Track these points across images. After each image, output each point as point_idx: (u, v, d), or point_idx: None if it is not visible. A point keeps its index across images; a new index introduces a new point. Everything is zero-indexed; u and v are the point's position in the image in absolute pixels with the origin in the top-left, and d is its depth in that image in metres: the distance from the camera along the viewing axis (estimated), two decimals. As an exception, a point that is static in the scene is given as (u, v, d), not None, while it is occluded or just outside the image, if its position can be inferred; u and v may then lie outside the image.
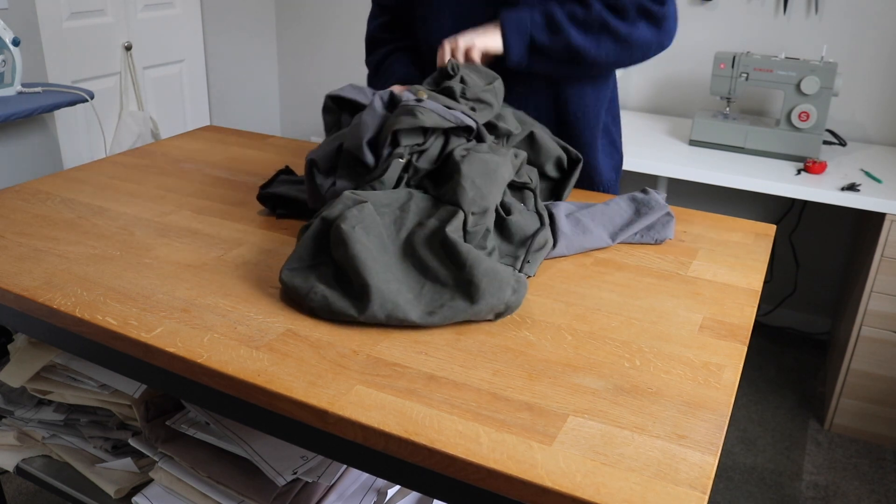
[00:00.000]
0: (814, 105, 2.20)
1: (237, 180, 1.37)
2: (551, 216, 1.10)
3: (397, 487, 1.09)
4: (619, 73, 2.58)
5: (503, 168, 1.01)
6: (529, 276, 1.01)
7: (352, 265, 0.88)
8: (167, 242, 1.10)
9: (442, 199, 1.00)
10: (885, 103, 2.46)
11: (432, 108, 1.03)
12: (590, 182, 1.39)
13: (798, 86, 2.20)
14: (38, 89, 2.16)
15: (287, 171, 1.29)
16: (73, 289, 0.96)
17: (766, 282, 2.82)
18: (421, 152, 1.04)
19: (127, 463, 1.24)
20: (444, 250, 0.92)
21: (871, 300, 2.07)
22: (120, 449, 1.28)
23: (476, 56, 1.22)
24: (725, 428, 0.74)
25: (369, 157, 1.04)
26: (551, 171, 1.23)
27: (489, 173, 0.99)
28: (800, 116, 2.22)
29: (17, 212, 1.20)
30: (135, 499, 1.18)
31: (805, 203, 2.64)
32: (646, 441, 0.70)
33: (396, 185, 1.04)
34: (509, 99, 1.30)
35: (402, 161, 1.03)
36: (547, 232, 1.05)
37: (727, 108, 2.40)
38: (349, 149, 1.05)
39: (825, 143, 2.40)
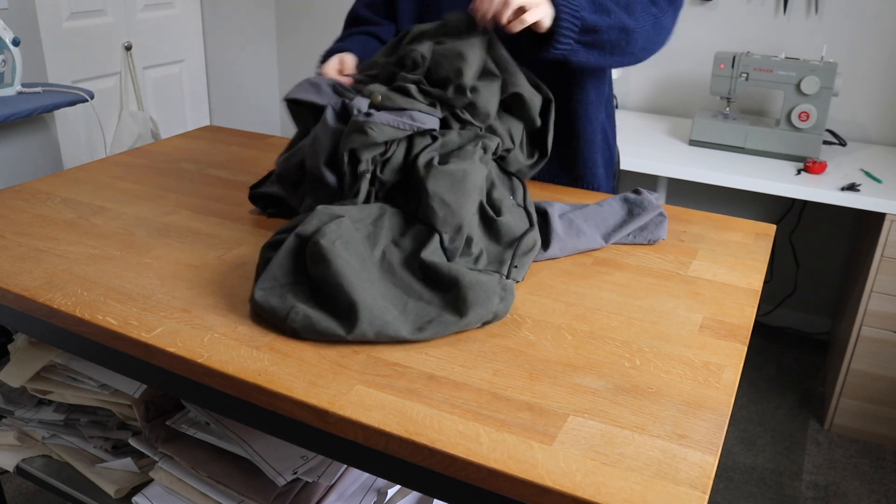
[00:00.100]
0: (814, 105, 2.20)
1: (237, 180, 1.37)
2: (546, 217, 1.10)
3: (397, 487, 1.09)
4: (617, 72, 2.59)
5: (473, 175, 0.97)
6: (518, 281, 0.99)
7: (336, 282, 0.85)
8: (167, 242, 1.10)
9: (415, 216, 0.97)
10: (885, 103, 2.46)
11: (384, 121, 0.98)
12: (584, 180, 1.39)
13: (798, 86, 2.20)
14: (38, 89, 2.16)
15: None
16: (74, 289, 0.96)
17: (766, 282, 2.82)
18: (384, 162, 1.00)
19: (127, 463, 1.24)
20: (424, 272, 0.91)
21: (871, 300, 2.07)
22: (120, 449, 1.28)
23: (513, 16, 1.04)
24: (725, 428, 0.74)
25: (331, 178, 1.00)
26: (536, 120, 1.17)
27: (457, 186, 0.95)
28: (800, 116, 2.22)
29: (17, 212, 1.20)
30: (135, 499, 1.18)
31: (805, 203, 2.64)
32: (646, 441, 0.70)
33: (366, 200, 1.01)
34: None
35: (368, 175, 0.99)
36: (535, 233, 1.03)
37: (727, 108, 2.40)
38: (310, 169, 1.02)
39: (825, 143, 2.40)
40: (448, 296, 0.88)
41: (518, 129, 1.16)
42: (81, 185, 1.32)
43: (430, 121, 1.03)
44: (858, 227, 2.51)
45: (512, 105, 1.15)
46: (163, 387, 0.90)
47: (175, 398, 1.18)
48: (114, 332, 0.87)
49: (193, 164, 1.45)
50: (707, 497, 0.64)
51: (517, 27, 1.05)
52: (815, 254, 2.71)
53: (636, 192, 1.19)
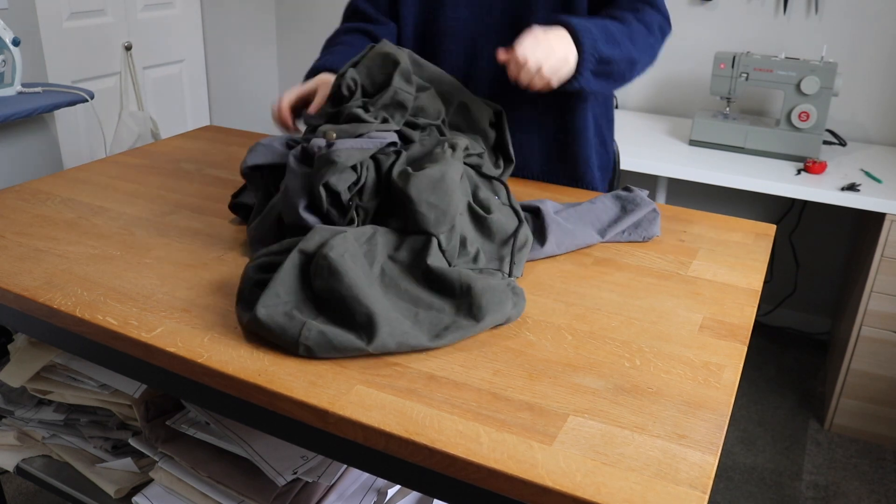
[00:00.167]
0: (814, 105, 2.20)
1: (237, 180, 1.37)
2: (539, 214, 1.10)
3: (397, 487, 1.09)
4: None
5: (450, 171, 0.97)
6: (517, 277, 1.00)
7: (351, 294, 0.83)
8: (167, 242, 1.10)
9: (406, 230, 0.97)
10: (885, 103, 2.46)
11: (346, 147, 0.98)
12: (579, 179, 1.39)
13: (798, 86, 2.20)
14: (38, 89, 2.16)
15: None
16: (74, 289, 0.96)
17: (766, 282, 2.82)
18: (360, 191, 1.00)
19: (127, 463, 1.24)
20: (430, 282, 0.90)
21: (871, 300, 2.07)
22: (120, 449, 1.28)
23: (541, 85, 1.11)
24: (725, 428, 0.74)
25: (313, 221, 0.99)
26: (489, 132, 1.23)
27: (438, 185, 0.95)
28: (800, 116, 2.22)
29: (17, 212, 1.20)
30: (135, 499, 1.18)
31: (805, 203, 2.64)
32: (646, 441, 0.70)
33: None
34: (509, 96, 1.30)
35: (353, 205, 0.99)
36: (526, 229, 1.04)
37: (727, 108, 2.40)
38: (290, 223, 1.00)
39: (825, 143, 2.40)
40: (460, 302, 0.87)
41: (477, 143, 1.18)
42: (81, 185, 1.32)
43: (389, 136, 1.03)
44: (858, 227, 2.51)
45: (462, 123, 1.20)
46: (163, 387, 0.90)
47: (175, 398, 1.18)
48: (114, 332, 0.87)
49: (193, 164, 1.45)
50: (707, 497, 0.64)
51: (540, 86, 1.12)
52: (815, 254, 2.71)
53: (627, 189, 1.19)
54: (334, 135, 1.01)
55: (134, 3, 2.77)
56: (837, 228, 2.64)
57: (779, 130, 2.26)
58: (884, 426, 2.19)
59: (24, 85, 2.18)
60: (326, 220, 0.99)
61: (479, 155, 1.13)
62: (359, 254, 0.89)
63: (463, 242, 0.97)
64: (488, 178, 1.11)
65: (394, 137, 1.04)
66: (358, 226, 0.98)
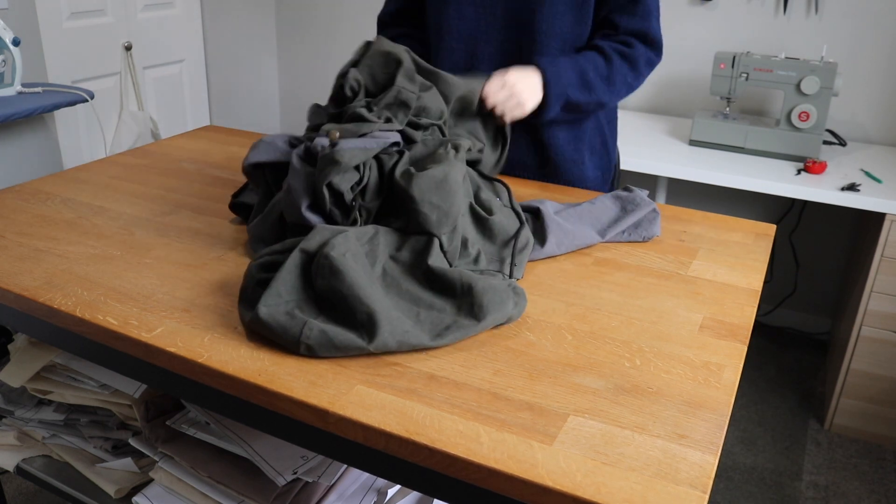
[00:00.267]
0: (814, 105, 2.20)
1: (237, 180, 1.37)
2: (539, 215, 1.10)
3: (397, 487, 1.09)
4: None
5: (452, 172, 0.97)
6: (518, 279, 1.00)
7: (352, 293, 0.83)
8: (167, 242, 1.10)
9: (408, 230, 0.97)
10: (885, 103, 2.46)
11: (350, 147, 0.98)
12: (574, 180, 1.39)
13: (798, 86, 2.20)
14: (38, 89, 2.16)
15: None
16: (74, 289, 0.96)
17: (766, 282, 2.82)
18: (362, 191, 1.00)
19: (127, 463, 1.24)
20: (431, 282, 0.90)
21: (871, 300, 2.07)
22: (120, 449, 1.28)
23: (514, 117, 1.23)
24: (725, 427, 0.74)
25: (316, 221, 0.99)
26: (490, 128, 1.24)
27: (441, 186, 0.95)
28: (800, 116, 2.22)
29: (17, 212, 1.20)
30: (135, 499, 1.18)
31: (805, 203, 2.64)
32: (646, 441, 0.70)
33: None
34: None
35: (357, 203, 0.99)
36: (527, 231, 1.04)
37: (727, 108, 2.40)
38: (293, 222, 1.01)
39: (825, 143, 2.40)
40: (461, 301, 0.87)
41: (477, 125, 1.19)
42: (81, 185, 1.32)
43: (392, 135, 1.03)
44: (858, 227, 2.51)
45: (462, 110, 1.20)
46: (163, 387, 0.90)
47: (175, 398, 1.18)
48: (114, 332, 0.87)
49: (193, 164, 1.45)
50: (707, 497, 0.64)
51: (512, 118, 1.24)
52: (815, 254, 2.71)
53: (627, 189, 1.19)
54: (338, 134, 1.01)
55: (134, 3, 2.77)
56: (837, 228, 2.64)
57: (779, 130, 2.26)
58: (884, 426, 2.19)
59: (24, 85, 2.18)
60: (329, 219, 0.99)
61: (481, 150, 1.13)
62: (360, 253, 0.89)
63: (464, 243, 0.97)
64: (490, 180, 1.11)
65: (397, 137, 1.04)
66: (360, 226, 0.98)
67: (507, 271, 0.98)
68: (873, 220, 2.14)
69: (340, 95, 1.12)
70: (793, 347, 2.73)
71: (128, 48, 2.77)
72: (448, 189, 0.95)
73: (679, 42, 2.65)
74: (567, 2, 1.27)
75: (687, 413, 0.75)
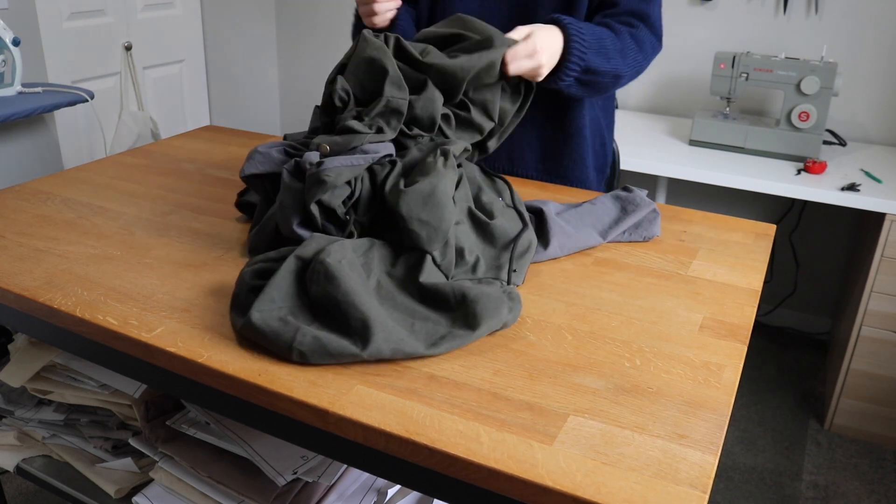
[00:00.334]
0: (814, 105, 2.20)
1: (237, 180, 1.37)
2: (542, 216, 1.10)
3: (397, 487, 1.09)
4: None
5: (441, 185, 0.95)
6: (518, 285, 0.98)
7: (347, 300, 0.82)
8: (167, 242, 1.10)
9: (402, 244, 0.96)
10: (885, 103, 2.46)
11: (337, 164, 0.97)
12: (574, 178, 1.39)
13: (798, 86, 2.20)
14: (38, 89, 2.16)
15: None
16: (74, 289, 0.96)
17: (766, 282, 2.82)
18: (355, 204, 0.99)
19: (127, 463, 1.24)
20: (424, 298, 0.89)
21: (871, 300, 2.07)
22: (120, 449, 1.28)
23: (531, 76, 1.15)
24: (725, 427, 0.74)
25: (308, 236, 0.98)
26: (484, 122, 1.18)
27: (429, 201, 0.93)
28: (800, 116, 2.22)
29: (17, 212, 1.20)
30: (135, 499, 1.18)
31: (805, 203, 2.64)
32: (646, 441, 0.70)
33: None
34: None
35: (350, 219, 0.99)
36: (530, 233, 1.02)
37: (727, 108, 2.40)
38: (287, 235, 1.00)
39: (825, 143, 2.40)
40: (456, 314, 0.87)
41: (495, 92, 1.14)
42: (81, 185, 1.32)
43: (383, 147, 1.02)
44: (858, 227, 2.51)
45: (479, 81, 1.13)
46: (163, 387, 0.90)
47: (175, 398, 1.18)
48: (114, 332, 0.87)
49: (193, 164, 1.45)
50: (707, 497, 0.64)
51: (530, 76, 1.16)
52: (815, 254, 2.71)
53: (626, 189, 1.19)
54: (327, 147, 1.01)
55: (134, 3, 2.77)
56: (837, 228, 2.64)
57: (779, 130, 2.26)
58: (884, 426, 2.19)
59: (24, 85, 2.18)
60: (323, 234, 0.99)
61: (468, 150, 1.10)
62: (356, 262, 0.89)
63: (461, 253, 0.96)
64: (493, 178, 1.10)
65: (388, 149, 1.03)
66: (355, 238, 0.98)
67: (504, 277, 0.96)
68: (873, 220, 2.14)
69: (331, 105, 1.11)
70: (793, 347, 2.73)
71: (128, 48, 2.77)
72: (436, 203, 0.93)
73: (679, 42, 2.65)
74: None
75: (687, 413, 0.75)
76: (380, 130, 1.05)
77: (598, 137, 1.42)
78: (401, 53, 1.12)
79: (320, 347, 0.80)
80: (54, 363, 1.24)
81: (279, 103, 3.61)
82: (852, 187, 2.03)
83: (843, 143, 2.40)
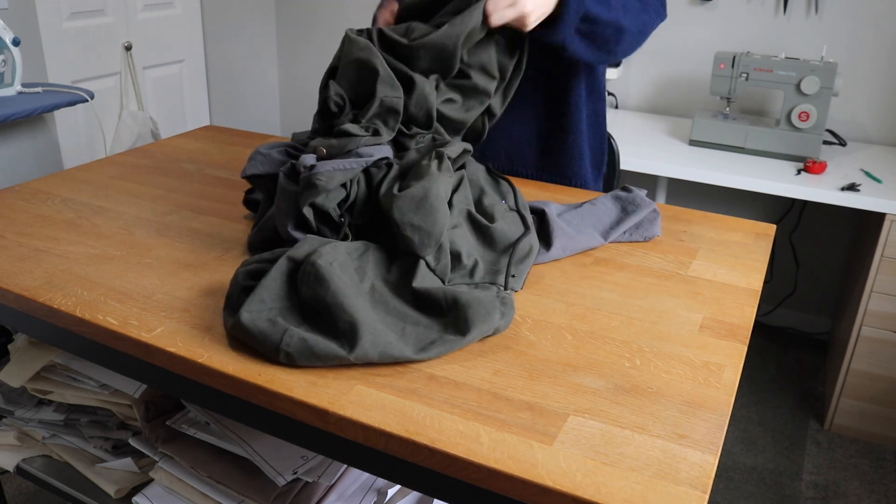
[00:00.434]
0: (814, 105, 2.20)
1: (237, 180, 1.37)
2: (544, 217, 1.10)
3: (397, 487, 1.09)
4: (617, 72, 2.59)
5: (434, 188, 0.94)
6: (516, 291, 0.97)
7: (335, 301, 0.82)
8: (167, 242, 1.10)
9: (397, 248, 0.96)
10: (885, 103, 2.46)
11: (330, 168, 0.97)
12: (571, 175, 1.39)
13: (798, 86, 2.20)
14: (38, 89, 2.16)
15: None
16: (74, 289, 0.96)
17: (766, 282, 2.82)
18: (350, 207, 0.99)
19: (127, 463, 1.24)
20: (418, 302, 0.89)
21: (871, 300, 2.07)
22: (120, 449, 1.28)
23: (514, 16, 1.07)
24: (725, 427, 0.74)
25: (302, 238, 0.97)
26: (504, 36, 1.16)
27: (421, 205, 0.93)
28: (800, 116, 2.22)
29: (17, 212, 1.20)
30: (135, 499, 1.18)
31: (805, 203, 2.64)
32: (646, 440, 0.70)
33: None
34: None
35: (344, 221, 0.99)
36: (531, 238, 1.02)
37: (727, 108, 2.40)
38: (285, 238, 1.00)
39: (825, 143, 2.40)
40: (447, 319, 0.86)
41: (490, 51, 1.12)
42: (81, 185, 1.32)
43: (379, 150, 1.01)
44: (858, 227, 2.51)
45: (470, 42, 1.11)
46: (163, 387, 0.90)
47: (175, 398, 1.18)
48: (114, 332, 0.87)
49: (193, 164, 1.45)
50: (707, 497, 0.64)
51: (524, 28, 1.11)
52: (815, 254, 2.71)
53: (626, 189, 1.19)
54: (324, 150, 1.01)
55: (134, 3, 2.77)
56: (837, 228, 2.64)
57: (779, 130, 2.27)
58: (884, 426, 2.19)
59: (24, 85, 2.18)
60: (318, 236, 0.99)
61: (468, 151, 1.10)
62: (348, 264, 0.89)
63: (458, 256, 0.95)
64: (497, 180, 1.10)
65: (385, 151, 1.02)
66: (350, 241, 0.98)
67: (501, 282, 0.95)
68: (873, 220, 2.14)
69: (326, 111, 1.10)
70: (793, 347, 2.73)
71: (128, 48, 2.77)
72: (429, 207, 0.93)
73: (679, 42, 2.65)
74: None
75: (687, 413, 0.75)
76: (376, 132, 1.04)
77: (597, 135, 1.42)
78: (386, 44, 1.10)
79: (307, 349, 0.79)
80: (54, 363, 1.24)
81: (279, 103, 3.61)
82: (852, 187, 2.03)
83: (843, 143, 2.40)
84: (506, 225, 1.02)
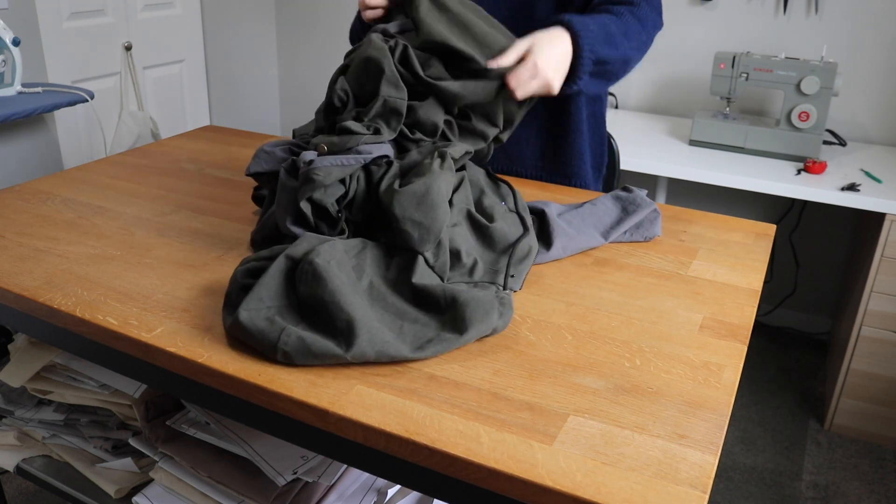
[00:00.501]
0: (814, 105, 2.20)
1: (237, 180, 1.37)
2: (544, 217, 1.10)
3: (397, 487, 1.09)
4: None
5: (435, 185, 0.94)
6: (515, 291, 0.97)
7: (333, 300, 0.82)
8: (167, 242, 1.10)
9: (396, 245, 0.96)
10: (885, 103, 2.46)
11: (326, 165, 0.97)
12: (572, 175, 1.39)
13: (798, 86, 2.20)
14: (38, 89, 2.16)
15: None
16: (74, 289, 0.96)
17: (766, 282, 2.82)
18: (349, 204, 0.99)
19: (127, 463, 1.24)
20: (416, 298, 0.89)
21: (871, 300, 2.07)
22: (120, 449, 1.28)
23: (539, 87, 1.10)
24: (725, 427, 0.74)
25: (300, 233, 0.98)
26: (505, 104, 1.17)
27: (423, 201, 0.93)
28: (800, 116, 2.22)
29: (17, 212, 1.20)
30: (135, 499, 1.18)
31: (805, 203, 2.64)
32: (646, 440, 0.70)
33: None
34: None
35: (343, 215, 0.99)
36: (530, 239, 1.02)
37: (727, 108, 2.40)
38: (285, 234, 1.01)
39: (825, 143, 2.40)
40: (445, 316, 0.86)
41: (497, 106, 1.13)
42: (81, 185, 1.32)
43: (378, 149, 1.01)
44: (858, 227, 2.51)
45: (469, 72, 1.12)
46: (163, 387, 0.90)
47: (175, 398, 1.18)
48: (114, 332, 0.87)
49: (193, 164, 1.45)
50: (707, 497, 0.64)
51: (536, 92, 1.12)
52: (815, 254, 2.71)
53: (626, 189, 1.19)
54: (325, 147, 1.01)
55: (134, 3, 2.77)
56: (837, 228, 2.64)
57: (779, 130, 2.26)
58: (884, 426, 2.19)
59: (24, 85, 2.18)
60: (316, 232, 0.99)
61: (469, 152, 1.10)
62: (346, 262, 0.89)
63: (457, 255, 0.95)
64: (496, 182, 1.10)
65: (383, 150, 1.02)
66: (348, 237, 0.98)
67: (500, 282, 0.95)
68: (873, 220, 2.14)
69: (331, 106, 1.10)
70: (793, 347, 2.73)
71: (128, 48, 2.77)
72: (430, 203, 0.93)
73: (679, 42, 2.65)
74: None
75: (687, 413, 0.75)
76: (377, 131, 1.04)
77: (597, 135, 1.42)
78: (406, 62, 1.11)
79: (304, 348, 0.79)
80: (54, 363, 1.24)
81: (279, 103, 3.61)
82: (852, 187, 2.03)
83: (843, 143, 2.40)
84: (505, 225, 1.02)
